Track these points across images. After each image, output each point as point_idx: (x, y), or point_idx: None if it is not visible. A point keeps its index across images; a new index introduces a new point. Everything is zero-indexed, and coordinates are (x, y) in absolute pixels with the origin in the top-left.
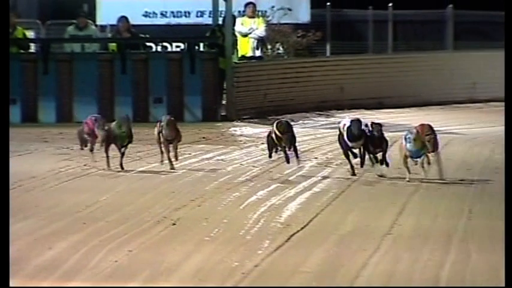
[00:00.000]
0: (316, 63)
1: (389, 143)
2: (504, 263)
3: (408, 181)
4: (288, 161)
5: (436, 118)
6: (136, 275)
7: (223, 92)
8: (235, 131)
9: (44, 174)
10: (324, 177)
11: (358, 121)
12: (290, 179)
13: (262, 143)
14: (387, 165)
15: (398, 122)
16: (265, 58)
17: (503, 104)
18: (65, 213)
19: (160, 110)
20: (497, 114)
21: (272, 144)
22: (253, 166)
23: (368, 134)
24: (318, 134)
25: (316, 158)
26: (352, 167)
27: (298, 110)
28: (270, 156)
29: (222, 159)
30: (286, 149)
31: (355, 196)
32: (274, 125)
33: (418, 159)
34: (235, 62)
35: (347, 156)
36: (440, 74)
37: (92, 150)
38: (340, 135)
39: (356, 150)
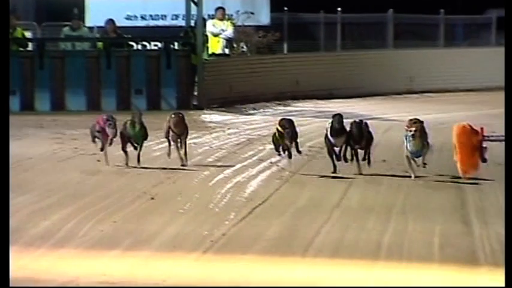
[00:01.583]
0: (275, 59)
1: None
2: (504, 263)
3: (413, 179)
4: (290, 156)
5: (378, 107)
6: (120, 242)
7: (195, 84)
8: (205, 118)
9: (40, 155)
10: (282, 158)
11: (340, 116)
12: (253, 159)
13: (229, 129)
14: (369, 163)
15: (346, 111)
16: (231, 55)
17: (436, 94)
18: (58, 190)
19: (141, 100)
20: (431, 103)
21: (276, 142)
22: (221, 149)
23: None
24: (276, 121)
25: None
26: (334, 165)
27: (260, 100)
28: (279, 154)
29: (193, 143)
30: (288, 144)
31: (309, 174)
32: (278, 122)
33: (418, 158)
34: (205, 59)
35: (330, 155)
36: (382, 69)
37: (102, 149)
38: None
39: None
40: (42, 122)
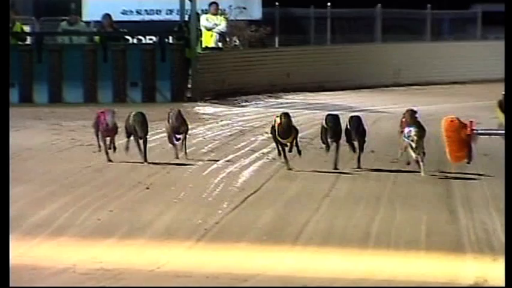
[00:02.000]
0: (266, 53)
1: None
2: (504, 263)
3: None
4: (300, 153)
5: (366, 99)
6: (116, 230)
7: (189, 77)
8: (199, 110)
9: (38, 146)
10: (273, 149)
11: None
12: (245, 150)
13: (222, 120)
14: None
15: (335, 102)
16: (224, 49)
17: (423, 87)
18: (56, 179)
19: (136, 93)
20: (418, 96)
21: (276, 141)
22: (214, 140)
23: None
24: (268, 113)
25: (266, 132)
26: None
27: (252, 93)
28: (280, 154)
29: (188, 134)
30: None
31: (299, 165)
32: (275, 118)
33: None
34: (199, 52)
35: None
36: (370, 62)
37: (110, 148)
38: (322, 129)
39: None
40: (40, 114)
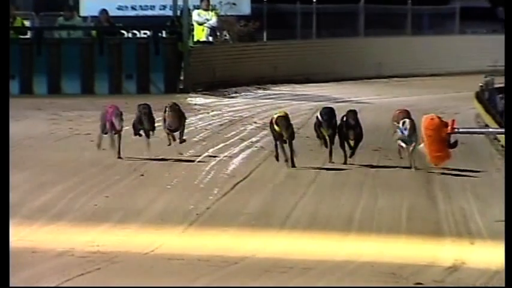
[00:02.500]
0: (255, 47)
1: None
2: (505, 263)
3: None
4: (293, 163)
5: (350, 91)
6: (112, 215)
7: (181, 70)
8: (191, 100)
9: (38, 135)
10: (262, 138)
11: (331, 109)
12: (235, 139)
13: (213, 111)
14: (353, 154)
15: (321, 94)
16: (215, 43)
17: (403, 79)
18: (55, 166)
19: (131, 84)
20: (399, 87)
21: (276, 137)
22: (205, 129)
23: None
24: (256, 104)
25: (255, 122)
26: (330, 153)
27: (241, 84)
28: (277, 159)
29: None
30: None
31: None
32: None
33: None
34: (191, 46)
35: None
36: (353, 56)
37: (104, 136)
38: (317, 123)
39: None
40: (39, 105)
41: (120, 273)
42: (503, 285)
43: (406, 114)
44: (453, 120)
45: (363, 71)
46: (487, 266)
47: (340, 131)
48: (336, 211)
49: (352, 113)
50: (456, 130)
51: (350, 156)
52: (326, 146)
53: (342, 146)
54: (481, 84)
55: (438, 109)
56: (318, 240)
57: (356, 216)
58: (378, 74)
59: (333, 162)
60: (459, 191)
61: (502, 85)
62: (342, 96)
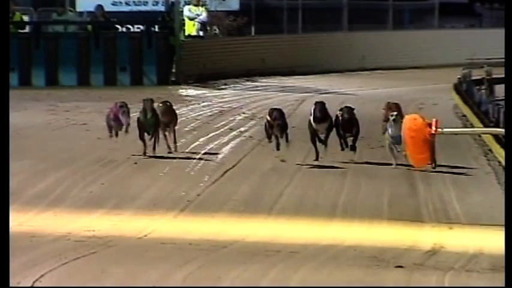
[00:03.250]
0: (243, 41)
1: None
2: (504, 263)
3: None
4: (278, 148)
5: (334, 83)
6: (107, 202)
7: (173, 62)
8: (182, 92)
9: (36, 125)
10: (250, 127)
11: (322, 104)
12: (224, 129)
13: (203, 102)
14: (354, 150)
15: (306, 85)
16: (205, 37)
17: (385, 71)
18: (52, 155)
19: (125, 76)
20: (381, 79)
21: (268, 132)
22: (196, 119)
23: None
24: (245, 95)
25: (244, 113)
26: (317, 152)
27: (230, 77)
28: (270, 141)
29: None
30: (278, 135)
31: (274, 142)
32: (268, 113)
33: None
34: (182, 40)
35: (313, 143)
36: (338, 49)
37: (116, 135)
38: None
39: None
40: (38, 96)
41: (115, 256)
42: (480, 267)
43: (396, 108)
44: (436, 120)
45: (346, 64)
46: (464, 249)
47: (337, 127)
48: (322, 197)
49: (348, 109)
50: (440, 130)
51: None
52: (322, 143)
53: (323, 141)
54: (459, 76)
55: (418, 100)
56: (304, 226)
57: (340, 203)
58: (361, 67)
59: (322, 157)
60: (438, 180)
61: (479, 77)
62: (327, 88)
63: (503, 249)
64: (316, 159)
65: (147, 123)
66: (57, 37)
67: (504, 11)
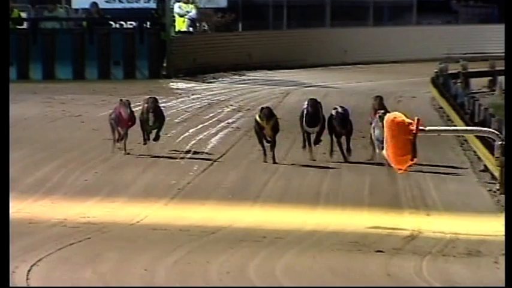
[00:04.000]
0: (231, 36)
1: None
2: (505, 264)
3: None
4: (270, 150)
5: (318, 76)
6: (102, 189)
7: (164, 57)
8: (172, 85)
9: (34, 116)
10: (237, 119)
11: (315, 100)
12: (213, 120)
13: (193, 94)
14: (349, 152)
15: (291, 79)
16: (195, 33)
17: (366, 66)
18: (49, 145)
19: (118, 70)
20: (362, 73)
21: (259, 135)
22: (186, 111)
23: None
24: (232, 88)
25: (231, 105)
26: (304, 140)
27: (218, 71)
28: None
29: (163, 106)
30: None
31: None
32: (257, 113)
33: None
34: (173, 36)
35: (305, 140)
36: (321, 44)
37: (121, 139)
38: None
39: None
40: (35, 89)
41: (109, 242)
42: (456, 252)
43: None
44: (418, 120)
45: (329, 59)
46: (441, 235)
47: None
48: (305, 185)
49: (313, 101)
50: (422, 130)
51: (347, 152)
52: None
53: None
54: (436, 70)
55: (397, 93)
56: (289, 213)
57: (323, 191)
58: (343, 61)
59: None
60: (416, 169)
61: (455, 71)
62: (311, 81)
63: (479, 235)
64: (304, 147)
65: (148, 122)
66: (53, 33)
67: (504, 11)
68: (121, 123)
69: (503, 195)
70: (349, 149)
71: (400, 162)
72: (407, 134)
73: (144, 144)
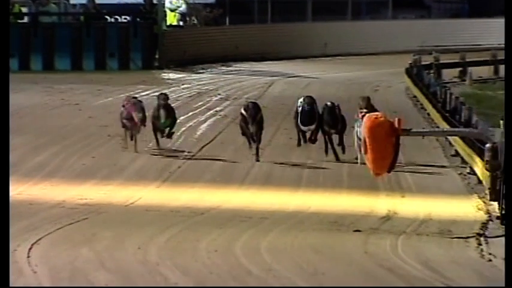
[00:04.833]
0: (219, 30)
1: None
2: (505, 264)
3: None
4: (250, 146)
5: (300, 67)
6: (98, 173)
7: (156, 49)
8: (164, 76)
9: (34, 105)
10: (225, 107)
11: (311, 98)
12: (202, 108)
13: (183, 84)
14: (343, 149)
15: (275, 70)
16: (185, 27)
17: (345, 57)
18: (48, 132)
19: (113, 62)
20: (341, 64)
21: (244, 131)
22: (177, 100)
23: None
24: (220, 78)
25: (219, 94)
26: (299, 139)
27: (207, 62)
28: (250, 145)
29: (155, 95)
30: (254, 136)
31: None
32: (243, 108)
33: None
34: (165, 29)
35: (300, 139)
36: (303, 37)
37: (132, 138)
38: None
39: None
40: (35, 79)
41: (105, 222)
42: (429, 231)
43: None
44: (399, 120)
45: (310, 51)
46: (415, 215)
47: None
48: (287, 171)
49: (332, 106)
50: (406, 132)
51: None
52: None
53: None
54: (410, 61)
55: (374, 83)
56: (273, 195)
57: (304, 174)
58: (323, 53)
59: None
60: None
61: (428, 62)
62: (293, 72)
63: (450, 215)
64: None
65: (159, 119)
66: (53, 26)
67: (504, 11)
68: (133, 125)
69: (473, 178)
70: (341, 145)
71: (379, 167)
72: (390, 136)
73: (157, 145)
